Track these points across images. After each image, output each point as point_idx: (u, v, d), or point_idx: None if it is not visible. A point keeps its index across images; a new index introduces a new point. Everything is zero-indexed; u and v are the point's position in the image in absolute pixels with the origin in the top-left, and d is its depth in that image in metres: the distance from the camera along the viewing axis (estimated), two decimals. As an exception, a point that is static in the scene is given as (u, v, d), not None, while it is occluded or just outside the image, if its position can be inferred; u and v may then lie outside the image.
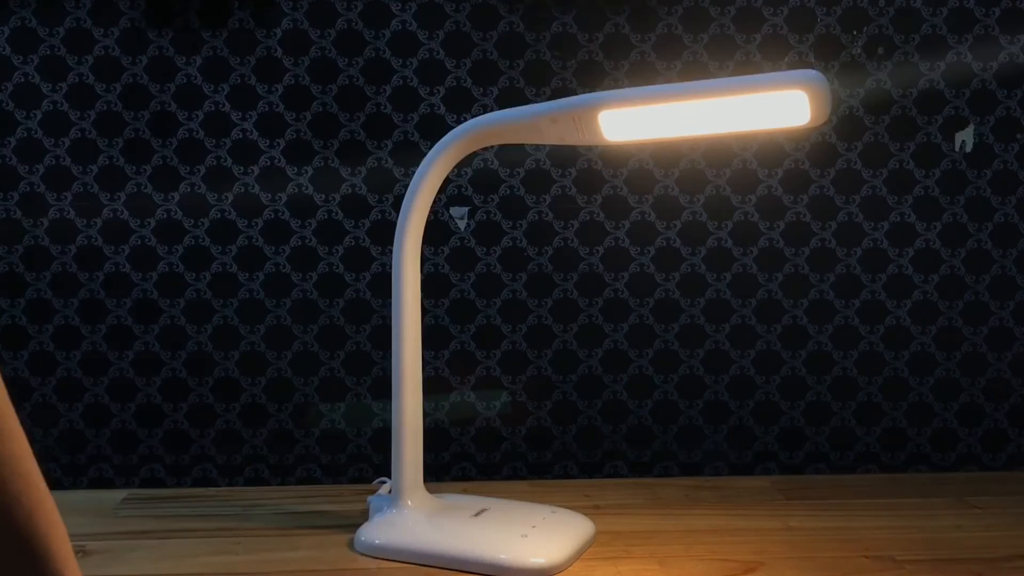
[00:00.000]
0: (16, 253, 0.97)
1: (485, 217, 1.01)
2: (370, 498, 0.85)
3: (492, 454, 1.04)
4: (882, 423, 1.06)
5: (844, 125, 1.02)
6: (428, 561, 0.76)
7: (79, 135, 0.97)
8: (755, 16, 1.00)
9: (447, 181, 0.99)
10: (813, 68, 0.86)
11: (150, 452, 1.01)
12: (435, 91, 0.99)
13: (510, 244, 1.01)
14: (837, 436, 1.06)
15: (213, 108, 0.98)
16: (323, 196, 0.99)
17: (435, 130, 0.99)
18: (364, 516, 0.84)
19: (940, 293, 1.05)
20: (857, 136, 1.02)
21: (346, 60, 0.98)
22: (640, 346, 1.03)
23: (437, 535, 0.78)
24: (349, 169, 0.99)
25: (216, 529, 0.84)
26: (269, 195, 0.99)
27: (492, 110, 0.99)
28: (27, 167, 0.97)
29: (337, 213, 1.00)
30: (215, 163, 0.98)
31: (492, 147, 1.00)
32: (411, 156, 0.99)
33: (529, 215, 1.01)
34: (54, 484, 1.00)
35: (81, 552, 0.79)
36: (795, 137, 1.02)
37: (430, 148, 0.80)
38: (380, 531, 0.80)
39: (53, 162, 0.97)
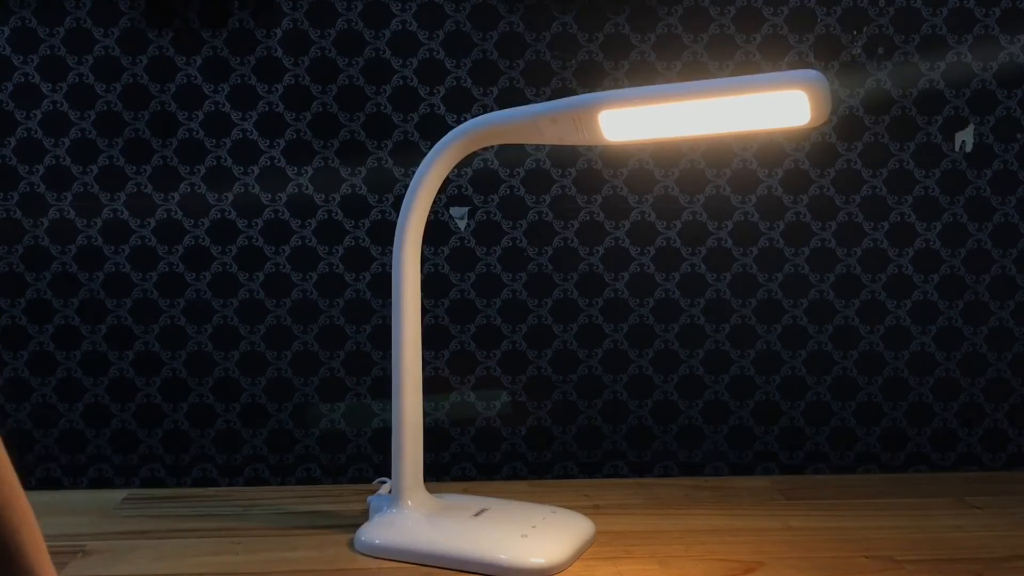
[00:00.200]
0: (16, 253, 0.97)
1: (485, 217, 1.01)
2: (370, 498, 0.85)
3: (492, 454, 1.04)
4: (882, 423, 1.06)
5: (844, 125, 1.02)
6: (428, 561, 0.76)
7: (79, 135, 0.97)
8: (755, 16, 1.00)
9: (447, 181, 0.99)
10: (813, 68, 0.87)
11: (150, 452, 1.01)
12: (435, 91, 0.99)
13: (510, 244, 1.01)
14: (837, 436, 1.06)
15: (213, 108, 0.98)
16: (323, 196, 0.99)
17: (435, 130, 0.99)
18: (364, 516, 0.84)
19: (940, 293, 1.05)
20: (857, 136, 1.02)
21: (346, 60, 0.98)
22: (640, 346, 1.03)
23: (437, 535, 0.78)
24: (349, 169, 0.99)
25: (216, 529, 0.84)
26: (269, 195, 0.99)
27: (492, 110, 0.99)
28: (27, 167, 0.97)
29: (337, 213, 1.00)
30: (215, 163, 0.98)
31: (492, 147, 1.00)
32: (411, 156, 0.99)
33: (529, 215, 1.01)
34: (54, 484, 1.01)
35: (81, 552, 0.79)
36: (795, 137, 1.02)
37: (430, 148, 0.80)
38: (380, 531, 0.80)
39: (53, 162, 0.97)
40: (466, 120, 0.89)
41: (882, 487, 0.97)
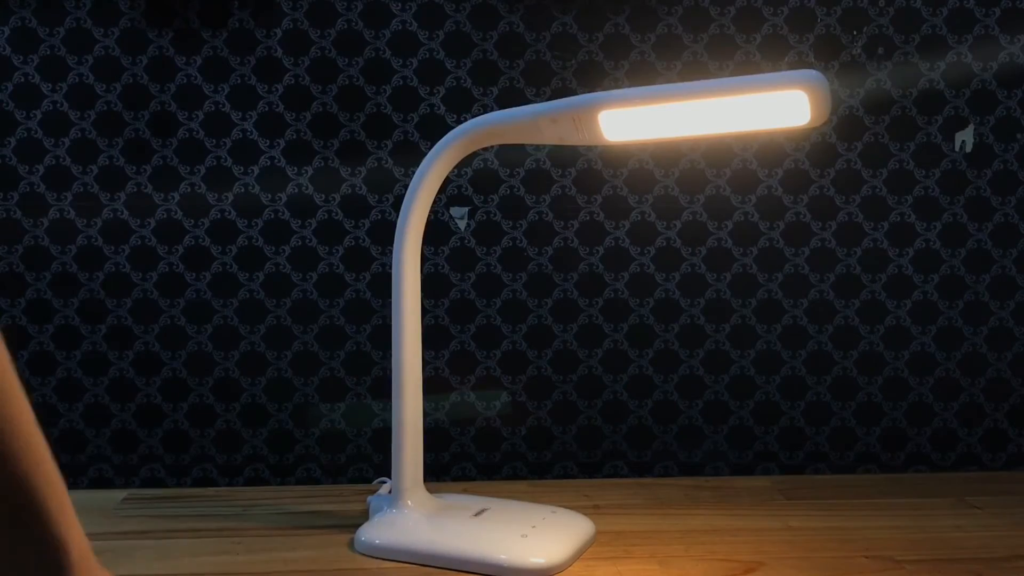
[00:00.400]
0: (16, 253, 0.97)
1: (485, 217, 1.01)
2: (370, 498, 0.85)
3: (492, 454, 1.04)
4: (882, 423, 1.06)
5: (844, 125, 1.02)
6: (428, 561, 0.76)
7: (79, 135, 0.97)
8: (755, 16, 1.00)
9: (447, 181, 0.99)
10: (813, 68, 0.87)
11: (150, 452, 1.01)
12: (435, 91, 0.99)
13: (510, 244, 1.01)
14: (837, 436, 1.06)
15: (213, 108, 0.98)
16: (323, 196, 0.99)
17: (435, 130, 0.99)
18: (364, 516, 0.84)
19: (940, 293, 1.05)
20: (857, 136, 1.02)
21: (346, 60, 0.98)
22: (640, 346, 1.03)
23: (437, 535, 0.78)
24: (349, 169, 0.99)
25: (216, 529, 0.84)
26: (269, 195, 0.99)
27: (492, 110, 0.99)
28: (27, 167, 0.97)
29: (337, 213, 1.00)
30: (215, 163, 0.98)
31: (492, 147, 1.00)
32: (411, 156, 0.99)
33: (529, 215, 1.01)
34: (54, 484, 1.00)
35: (81, 552, 0.78)
36: (795, 137, 1.02)
37: (430, 148, 0.80)
38: (380, 531, 0.80)
39: (53, 162, 0.97)
40: (466, 120, 0.89)
41: (882, 487, 0.97)
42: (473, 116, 0.98)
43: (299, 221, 0.99)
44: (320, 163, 0.99)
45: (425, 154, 0.80)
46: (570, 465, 1.04)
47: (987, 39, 1.02)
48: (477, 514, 0.82)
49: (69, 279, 0.98)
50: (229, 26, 0.97)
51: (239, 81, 0.98)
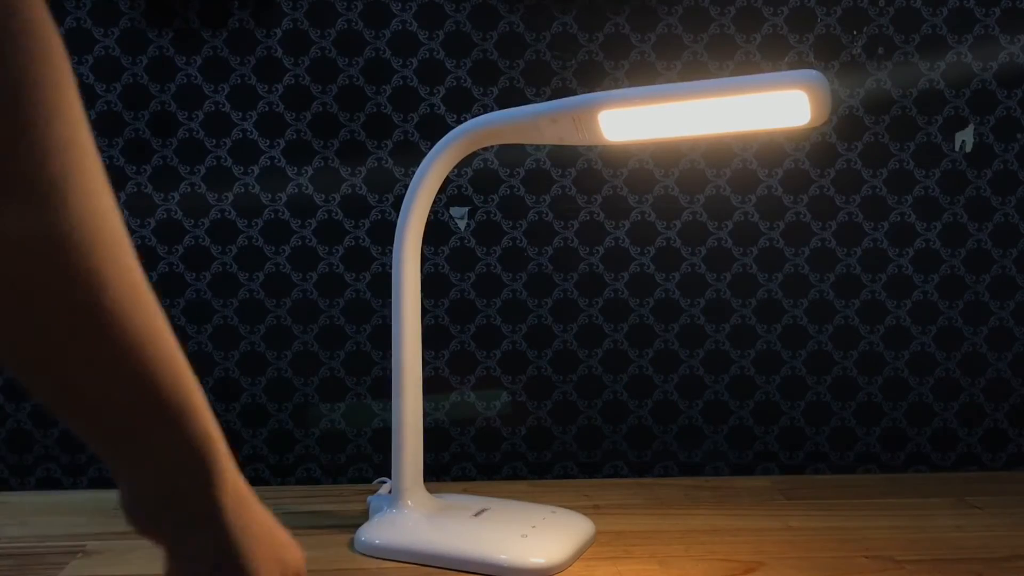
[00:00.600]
0: (16, 253, 0.97)
1: (485, 217, 1.01)
2: (370, 498, 0.85)
3: (492, 454, 1.04)
4: (882, 423, 1.06)
5: (844, 125, 1.02)
6: (428, 561, 0.76)
7: (79, 135, 0.97)
8: (755, 16, 1.00)
9: (447, 181, 0.99)
10: (813, 68, 0.86)
11: (150, 452, 1.01)
12: (435, 91, 0.99)
13: (510, 244, 1.01)
14: (837, 436, 1.06)
15: (213, 108, 0.98)
16: (323, 196, 0.99)
17: (435, 130, 0.99)
18: (364, 516, 0.84)
19: (940, 293, 1.05)
20: (857, 136, 1.02)
21: (346, 60, 0.98)
22: (640, 346, 1.03)
23: (437, 535, 0.78)
24: (349, 169, 0.99)
25: (216, 529, 0.84)
26: (269, 195, 0.99)
27: (492, 110, 0.99)
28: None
29: (337, 213, 1.00)
30: (215, 163, 0.98)
31: (492, 147, 1.00)
32: (411, 156, 0.99)
33: (529, 215, 1.01)
34: (54, 484, 1.01)
35: (81, 552, 0.79)
36: (795, 137, 1.02)
37: (430, 148, 0.80)
38: (380, 531, 0.80)
39: (53, 162, 0.97)
40: (466, 120, 0.89)
41: (882, 487, 0.97)
42: (473, 116, 0.98)
43: (299, 221, 0.99)
44: (320, 163, 0.99)
45: (425, 154, 0.80)
46: (570, 465, 1.04)
47: (987, 39, 1.02)
48: (477, 514, 0.82)
49: (69, 279, 0.98)
50: (229, 26, 0.97)
51: (239, 81, 0.98)
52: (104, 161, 1.01)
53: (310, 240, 1.00)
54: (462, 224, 1.01)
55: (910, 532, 0.84)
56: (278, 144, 0.99)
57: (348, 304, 1.01)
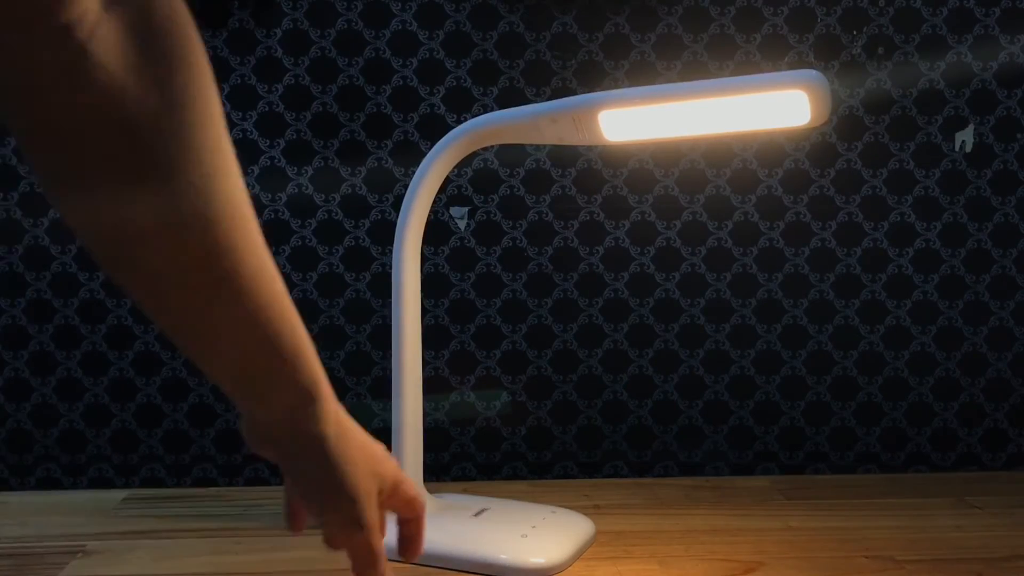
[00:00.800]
0: (16, 253, 0.97)
1: (485, 217, 1.01)
2: (370, 498, 0.85)
3: (492, 454, 1.03)
4: (882, 423, 1.06)
5: (844, 125, 1.02)
6: (428, 561, 0.76)
7: (79, 135, 0.97)
8: (755, 16, 1.00)
9: (447, 181, 0.99)
10: (813, 68, 0.86)
11: (150, 452, 1.01)
12: (435, 91, 0.99)
13: (510, 244, 1.01)
14: (837, 436, 1.06)
15: (213, 108, 0.98)
16: (323, 196, 0.99)
17: (435, 130, 0.99)
18: (364, 516, 0.84)
19: (940, 293, 1.05)
20: (857, 136, 1.02)
21: (346, 60, 0.98)
22: (640, 346, 1.03)
23: (437, 535, 0.78)
24: (349, 169, 0.99)
25: (216, 529, 0.84)
26: (269, 195, 0.99)
27: (492, 110, 0.99)
28: (27, 167, 0.97)
29: (337, 213, 1.00)
30: (215, 163, 0.98)
31: (492, 147, 1.00)
32: (411, 156, 0.99)
33: (529, 215, 1.01)
34: (54, 484, 1.01)
35: (81, 552, 0.79)
36: (795, 137, 1.02)
37: (430, 148, 0.80)
38: (380, 531, 0.79)
39: (53, 162, 0.97)
40: (466, 120, 0.89)
41: (882, 487, 0.97)
42: (473, 116, 0.98)
43: (299, 221, 0.99)
44: (320, 163, 0.99)
45: (425, 154, 0.80)
46: (570, 465, 1.04)
47: (987, 39, 1.02)
48: (477, 514, 0.82)
49: (69, 279, 0.98)
50: (229, 26, 0.97)
51: (239, 81, 0.98)
52: (104, 161, 1.00)
53: (310, 240, 1.00)
54: (462, 224, 1.01)
55: (910, 532, 0.84)
56: (278, 144, 0.99)
57: (348, 304, 1.01)
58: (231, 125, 0.98)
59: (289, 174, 0.99)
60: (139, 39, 0.44)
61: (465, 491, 0.92)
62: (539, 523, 0.80)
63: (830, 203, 1.03)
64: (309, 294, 1.00)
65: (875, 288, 1.04)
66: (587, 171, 1.01)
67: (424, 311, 0.99)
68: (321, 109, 0.98)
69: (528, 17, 0.99)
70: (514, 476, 1.04)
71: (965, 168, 1.04)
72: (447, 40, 0.99)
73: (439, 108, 0.99)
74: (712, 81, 0.72)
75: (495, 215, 1.01)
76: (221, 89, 0.97)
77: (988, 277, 1.05)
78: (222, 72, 0.97)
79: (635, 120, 0.74)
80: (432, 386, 0.99)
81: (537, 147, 1.00)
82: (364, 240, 1.00)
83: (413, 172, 0.81)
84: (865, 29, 1.01)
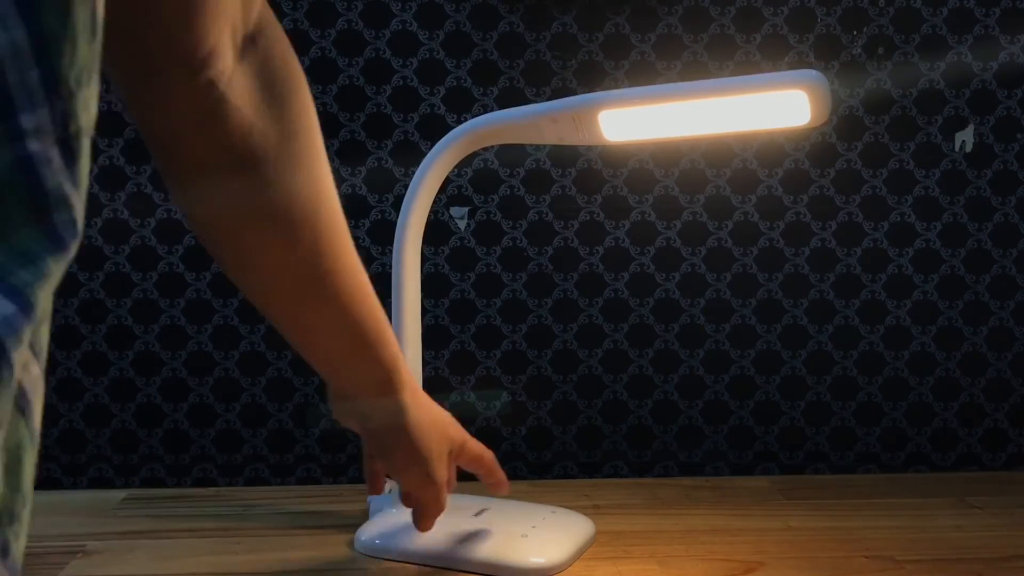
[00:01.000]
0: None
1: (485, 217, 1.01)
2: (370, 498, 0.85)
3: (492, 454, 1.03)
4: (882, 423, 1.06)
5: (844, 125, 1.02)
6: (428, 561, 0.76)
7: (79, 135, 0.97)
8: (755, 16, 1.00)
9: (447, 181, 0.99)
10: (813, 68, 0.86)
11: (150, 452, 1.01)
12: (435, 91, 0.99)
13: (510, 244, 1.01)
14: (837, 436, 1.06)
15: (213, 108, 0.98)
16: (323, 196, 0.99)
17: (435, 130, 0.99)
18: (364, 516, 0.84)
19: (940, 293, 1.05)
20: (857, 136, 1.02)
21: (346, 60, 0.98)
22: (640, 346, 1.03)
23: (437, 535, 0.78)
24: (349, 169, 0.99)
25: (216, 529, 0.85)
26: (269, 195, 0.99)
27: (492, 110, 0.99)
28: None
29: (337, 213, 0.99)
30: (215, 163, 0.98)
31: (492, 147, 1.00)
32: (411, 156, 0.99)
33: (529, 215, 1.01)
34: (54, 484, 1.01)
35: (81, 552, 0.79)
36: (795, 137, 1.02)
37: (430, 148, 0.80)
38: (380, 531, 0.80)
39: (53, 162, 0.97)
40: (466, 120, 0.89)
41: (882, 487, 0.97)
42: (473, 116, 0.98)
43: (299, 221, 0.99)
44: (320, 163, 0.99)
45: (425, 154, 0.80)
46: (570, 465, 1.04)
47: (987, 39, 1.02)
48: (477, 514, 0.82)
49: (69, 279, 0.98)
50: (229, 26, 0.97)
51: (239, 81, 0.98)
52: (104, 161, 1.01)
53: (310, 240, 1.00)
54: (462, 224, 1.01)
55: (910, 532, 0.84)
56: (278, 144, 0.98)
57: (348, 304, 1.00)
58: (231, 125, 0.98)
59: (289, 174, 0.99)
60: (263, 83, 0.53)
61: (465, 491, 0.92)
62: (539, 523, 0.80)
63: (830, 203, 1.03)
64: (309, 294, 1.00)
65: (875, 288, 1.04)
66: (587, 171, 1.01)
67: (424, 311, 0.99)
68: (321, 109, 0.98)
69: (528, 17, 0.99)
70: (514, 476, 1.03)
71: (965, 168, 1.04)
72: (447, 40, 0.99)
73: (439, 108, 0.99)
74: (712, 81, 0.72)
75: (495, 215, 1.01)
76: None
77: (988, 277, 1.05)
78: (222, 72, 0.97)
79: (635, 120, 0.74)
80: (432, 386, 0.99)
81: (537, 147, 1.00)
82: (364, 240, 1.00)
83: (413, 172, 0.81)
84: (865, 29, 1.01)
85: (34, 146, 0.30)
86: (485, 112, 0.95)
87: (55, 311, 0.98)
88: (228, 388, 1.01)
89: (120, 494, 0.94)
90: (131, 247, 0.98)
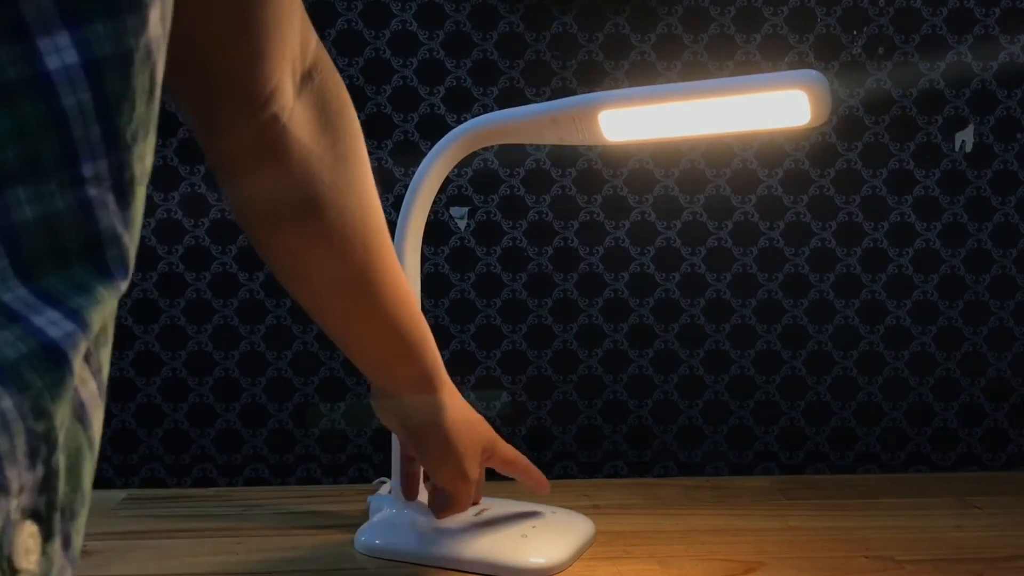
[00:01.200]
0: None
1: (485, 217, 1.01)
2: (370, 498, 0.85)
3: (492, 454, 1.03)
4: (882, 423, 1.06)
5: (844, 125, 1.02)
6: (428, 561, 0.76)
7: (79, 135, 0.97)
8: (755, 16, 1.00)
9: (447, 181, 0.99)
10: (813, 68, 0.86)
11: (150, 452, 1.01)
12: (435, 91, 0.99)
13: (510, 244, 1.01)
14: (837, 436, 1.06)
15: (213, 108, 0.98)
16: (323, 196, 0.99)
17: (435, 130, 0.99)
18: (364, 516, 0.84)
19: (940, 293, 1.05)
20: (857, 136, 1.02)
21: (346, 60, 0.98)
22: (640, 346, 1.03)
23: (437, 535, 0.78)
24: (349, 169, 0.99)
25: (216, 529, 0.84)
26: (269, 195, 0.99)
27: (492, 110, 0.99)
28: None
29: (337, 213, 0.99)
30: (215, 163, 0.98)
31: (492, 147, 1.00)
32: (411, 156, 0.99)
33: (529, 215, 1.01)
34: (54, 484, 1.00)
35: (81, 552, 0.78)
36: (795, 137, 1.02)
37: (430, 148, 0.80)
38: (380, 531, 0.80)
39: (53, 162, 0.97)
40: (466, 120, 0.89)
41: (882, 487, 0.97)
42: (473, 116, 0.98)
43: (299, 221, 0.99)
44: (320, 163, 0.99)
45: (425, 154, 0.80)
46: (570, 465, 1.04)
47: (987, 39, 1.02)
48: (477, 514, 0.82)
49: (69, 279, 0.98)
50: (229, 26, 0.97)
51: (239, 81, 0.97)
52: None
53: (310, 240, 1.00)
54: (462, 224, 1.01)
55: (910, 532, 0.84)
56: (278, 144, 0.98)
57: (348, 304, 1.00)
58: (231, 125, 0.98)
59: (289, 174, 0.99)
60: (320, 113, 0.58)
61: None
62: (539, 523, 0.80)
63: (830, 203, 1.03)
64: (309, 294, 1.00)
65: (875, 288, 1.04)
66: (587, 171, 1.01)
67: (424, 311, 0.99)
68: (321, 109, 0.98)
69: (528, 17, 0.99)
70: (514, 476, 1.04)
71: (965, 168, 1.04)
72: (447, 40, 0.99)
73: (439, 108, 0.99)
74: (712, 81, 0.72)
75: (495, 215, 1.01)
76: (221, 89, 0.97)
77: (988, 277, 1.05)
78: (222, 72, 0.97)
79: (635, 120, 0.74)
80: (432, 386, 0.99)
81: (537, 147, 1.00)
82: (364, 240, 1.00)
83: (413, 172, 0.81)
84: (865, 29, 1.01)
85: (92, 191, 0.34)
86: (485, 112, 0.95)
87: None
88: (228, 388, 1.01)
89: (120, 494, 0.94)
90: (131, 247, 0.98)
